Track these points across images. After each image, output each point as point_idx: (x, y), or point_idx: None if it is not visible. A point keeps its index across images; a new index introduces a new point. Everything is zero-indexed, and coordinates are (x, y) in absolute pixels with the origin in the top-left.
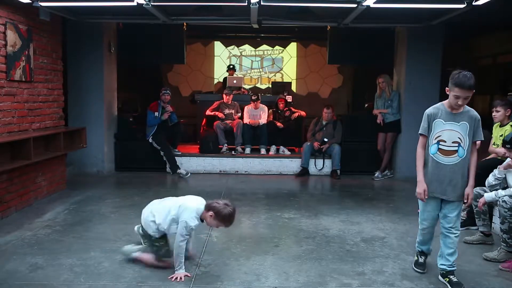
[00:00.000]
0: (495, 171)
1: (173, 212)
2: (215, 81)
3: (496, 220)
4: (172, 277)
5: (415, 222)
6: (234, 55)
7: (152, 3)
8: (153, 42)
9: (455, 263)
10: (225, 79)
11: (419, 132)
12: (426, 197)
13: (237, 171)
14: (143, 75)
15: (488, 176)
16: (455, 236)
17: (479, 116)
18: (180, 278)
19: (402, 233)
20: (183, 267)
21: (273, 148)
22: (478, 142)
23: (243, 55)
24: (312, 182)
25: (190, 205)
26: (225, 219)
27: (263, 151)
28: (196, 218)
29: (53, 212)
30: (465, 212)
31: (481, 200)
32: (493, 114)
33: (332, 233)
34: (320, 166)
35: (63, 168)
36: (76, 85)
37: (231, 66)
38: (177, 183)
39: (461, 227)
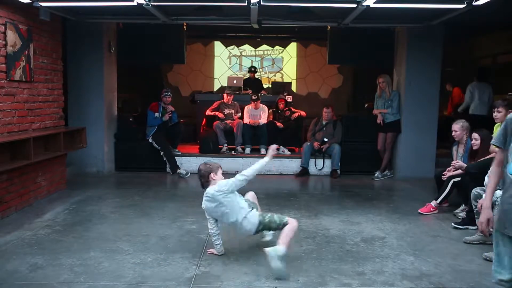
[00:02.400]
0: (490, 172)
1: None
2: (216, 81)
3: None
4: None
5: (415, 222)
6: (234, 55)
7: (152, 3)
8: (153, 42)
9: None
10: (244, 80)
11: (492, 143)
12: (490, 229)
13: (237, 171)
14: (143, 75)
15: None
16: None
17: None
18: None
19: (402, 233)
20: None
21: None
22: None
23: (243, 55)
24: (312, 182)
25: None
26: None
27: (263, 151)
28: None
29: (53, 212)
30: (464, 212)
31: (480, 201)
32: (494, 114)
33: (332, 233)
34: (320, 166)
35: (63, 168)
36: (76, 85)
37: (253, 69)
38: (177, 183)
39: (462, 226)
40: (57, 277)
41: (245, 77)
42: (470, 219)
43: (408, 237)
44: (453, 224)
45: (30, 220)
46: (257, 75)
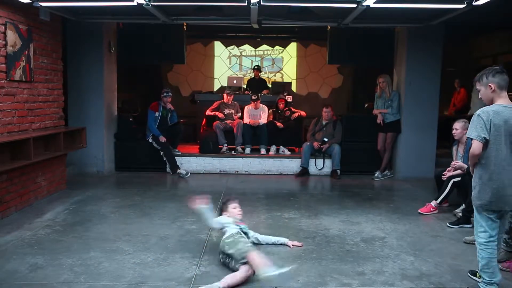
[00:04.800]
0: None
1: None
2: (216, 81)
3: None
4: None
5: (415, 222)
6: (234, 55)
7: (152, 3)
8: (153, 42)
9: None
10: (249, 80)
11: None
12: None
13: (237, 171)
14: (143, 75)
15: None
16: None
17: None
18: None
19: (402, 233)
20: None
21: (273, 148)
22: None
23: (243, 55)
24: (312, 182)
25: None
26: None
27: (263, 151)
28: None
29: (53, 212)
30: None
31: None
32: None
33: (332, 233)
34: (320, 166)
35: (63, 168)
36: (76, 85)
37: (256, 67)
38: (177, 183)
39: (455, 225)
40: (57, 277)
41: (250, 77)
42: (466, 218)
43: (408, 237)
44: (448, 224)
45: (30, 220)
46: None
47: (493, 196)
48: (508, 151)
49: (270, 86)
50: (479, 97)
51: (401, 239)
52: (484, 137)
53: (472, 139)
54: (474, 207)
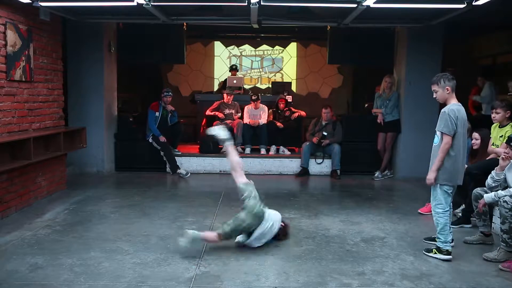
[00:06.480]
0: (493, 173)
1: None
2: (215, 81)
3: (496, 220)
4: None
5: (415, 222)
6: (234, 55)
7: (152, 3)
8: (153, 42)
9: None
10: (225, 80)
11: None
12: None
13: None
14: (143, 75)
15: (487, 176)
16: None
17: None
18: None
19: (402, 233)
20: None
21: (273, 148)
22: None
23: (243, 55)
24: (312, 182)
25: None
26: None
27: (263, 151)
28: None
29: (53, 212)
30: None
31: (481, 201)
32: (492, 115)
33: (332, 233)
34: (319, 161)
35: (63, 168)
36: (76, 85)
37: (234, 67)
38: (177, 183)
39: (455, 225)
40: (57, 277)
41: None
42: (466, 218)
43: (408, 237)
44: None
45: (30, 220)
46: (256, 75)
47: (454, 176)
48: (463, 139)
49: (270, 86)
50: (434, 96)
51: (401, 239)
52: (454, 131)
53: (445, 133)
54: (438, 186)
